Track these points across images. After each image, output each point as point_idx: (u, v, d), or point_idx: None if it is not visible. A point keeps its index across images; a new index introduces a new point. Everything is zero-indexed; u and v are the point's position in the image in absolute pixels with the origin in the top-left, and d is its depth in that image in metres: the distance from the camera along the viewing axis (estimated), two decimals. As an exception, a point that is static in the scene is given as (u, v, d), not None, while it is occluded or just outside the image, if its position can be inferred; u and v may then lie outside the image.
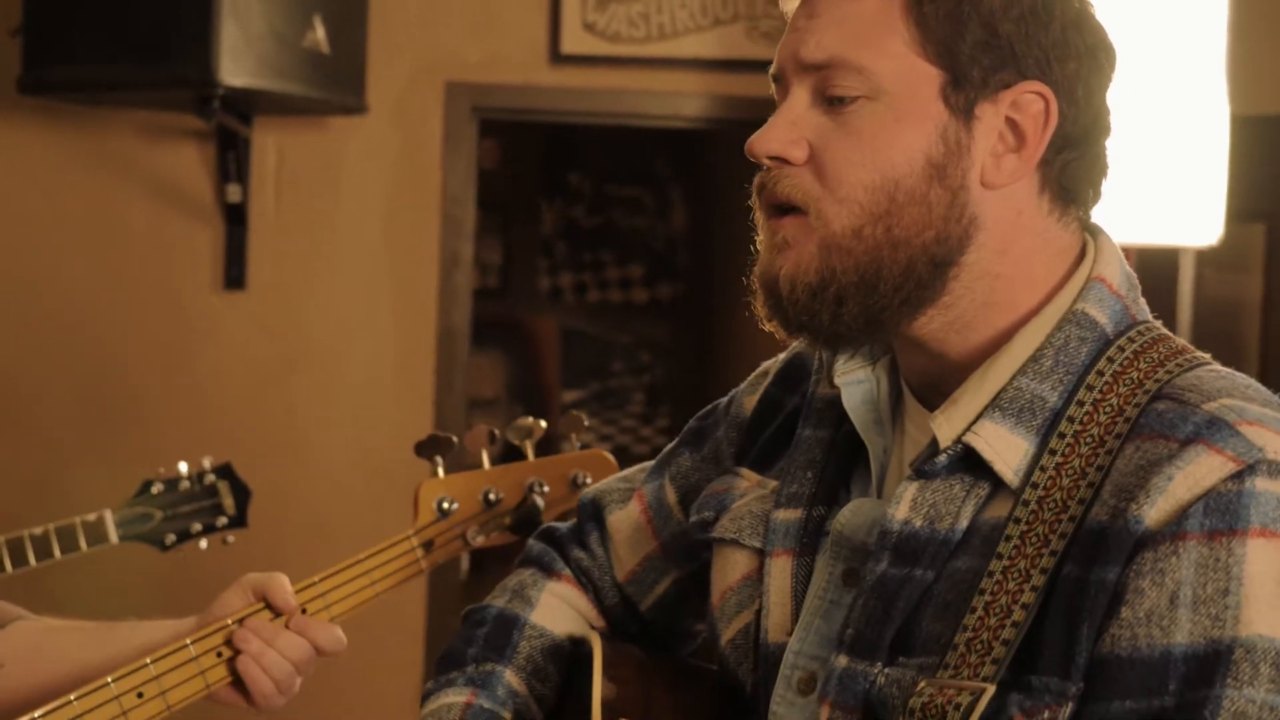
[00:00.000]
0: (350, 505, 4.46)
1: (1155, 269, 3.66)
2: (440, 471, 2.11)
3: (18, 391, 4.29)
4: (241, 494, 3.08)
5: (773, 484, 1.61)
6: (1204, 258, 3.77)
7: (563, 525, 1.87)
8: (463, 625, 1.81)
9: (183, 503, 3.04)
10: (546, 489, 2.10)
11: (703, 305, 7.32)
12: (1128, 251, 1.55)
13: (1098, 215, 1.54)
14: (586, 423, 2.18)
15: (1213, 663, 1.28)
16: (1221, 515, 1.30)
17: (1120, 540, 1.31)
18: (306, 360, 4.50)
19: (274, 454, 4.31)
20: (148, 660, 1.90)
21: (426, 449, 2.10)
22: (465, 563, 5.51)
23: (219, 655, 1.92)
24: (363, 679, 4.39)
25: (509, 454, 2.15)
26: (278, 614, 1.94)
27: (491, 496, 2.10)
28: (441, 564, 2.14)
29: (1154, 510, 1.31)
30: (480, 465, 2.13)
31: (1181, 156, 3.33)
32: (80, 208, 4.42)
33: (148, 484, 3.03)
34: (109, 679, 1.88)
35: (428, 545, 2.09)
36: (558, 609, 1.79)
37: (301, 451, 4.46)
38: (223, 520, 3.07)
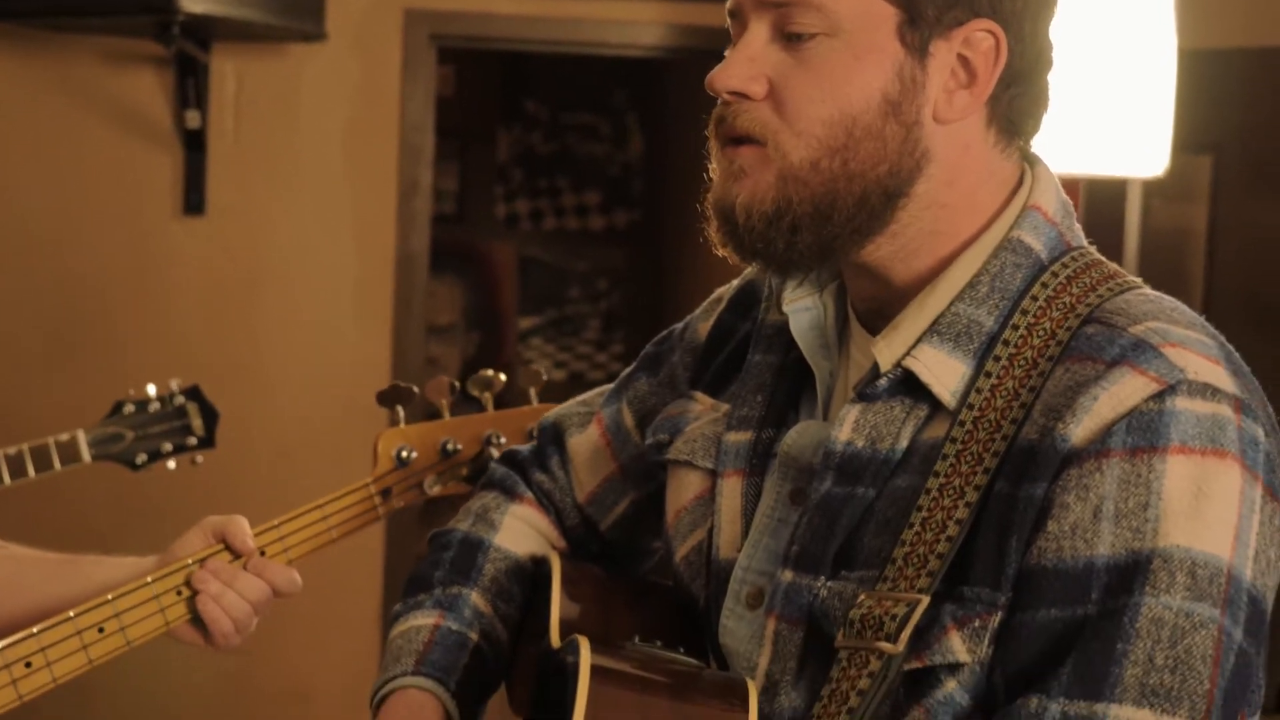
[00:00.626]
0: (311, 427, 4.53)
1: (1103, 199, 3.74)
2: (401, 421, 2.17)
3: (-18, 315, 4.35)
4: (210, 416, 3.16)
5: (725, 407, 1.66)
6: (1151, 188, 3.85)
7: (523, 449, 1.92)
8: (428, 549, 1.87)
9: (153, 423, 3.11)
10: (504, 440, 2.15)
11: (658, 232, 7.38)
12: (1076, 182, 1.62)
13: (1046, 145, 1.60)
14: (546, 377, 2.24)
15: (1132, 572, 1.35)
16: (1143, 433, 1.37)
17: (1048, 458, 1.38)
18: (267, 285, 4.56)
19: (236, 377, 4.37)
20: (109, 596, 1.94)
21: (388, 399, 2.15)
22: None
23: (179, 594, 1.95)
24: (323, 611, 4.47)
25: (468, 405, 2.21)
26: (236, 556, 1.98)
27: (450, 447, 2.14)
28: (398, 510, 2.22)
29: (1080, 429, 1.38)
30: (440, 415, 2.18)
31: (1130, 89, 3.40)
32: (41, 133, 4.46)
33: (119, 405, 3.10)
34: (71, 613, 1.91)
35: (385, 493, 2.13)
36: (520, 531, 1.85)
37: (263, 374, 4.53)
38: (192, 441, 3.15)
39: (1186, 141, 3.60)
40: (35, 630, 1.92)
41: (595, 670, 1.44)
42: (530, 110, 7.41)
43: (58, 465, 3.06)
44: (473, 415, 2.18)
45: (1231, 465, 1.38)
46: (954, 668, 1.39)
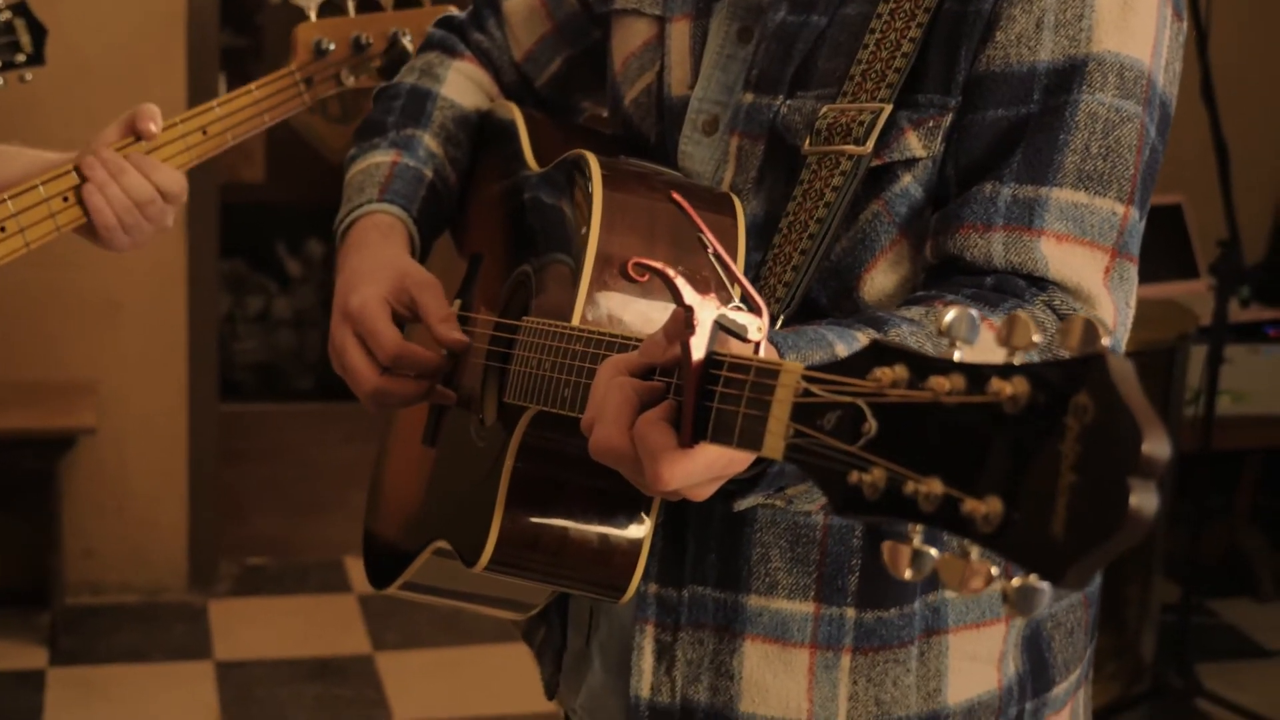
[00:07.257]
0: (109, 37, 4.64)
1: None
2: (313, 15, 2.44)
3: None
4: (38, 32, 3.27)
5: None
6: None
7: (460, 14, 2.17)
8: (376, 101, 2.12)
9: (-20, 41, 3.23)
10: (409, 36, 2.48)
11: None
12: None
13: None
14: None
15: (1070, 74, 1.66)
16: None
17: None
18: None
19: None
20: (4, 196, 2.18)
21: None
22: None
23: (67, 199, 2.23)
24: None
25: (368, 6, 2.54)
26: (138, 140, 2.26)
27: (362, 40, 2.47)
28: (320, 98, 2.49)
29: None
30: (346, 13, 2.49)
31: None
32: None
33: (-55, 22, 3.21)
34: None
35: (308, 81, 2.44)
36: (463, 85, 2.10)
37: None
38: (21, 58, 3.26)
39: None
40: None
41: (605, 177, 1.71)
42: None
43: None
44: (379, 13, 2.51)
45: None
46: (910, 163, 1.69)
